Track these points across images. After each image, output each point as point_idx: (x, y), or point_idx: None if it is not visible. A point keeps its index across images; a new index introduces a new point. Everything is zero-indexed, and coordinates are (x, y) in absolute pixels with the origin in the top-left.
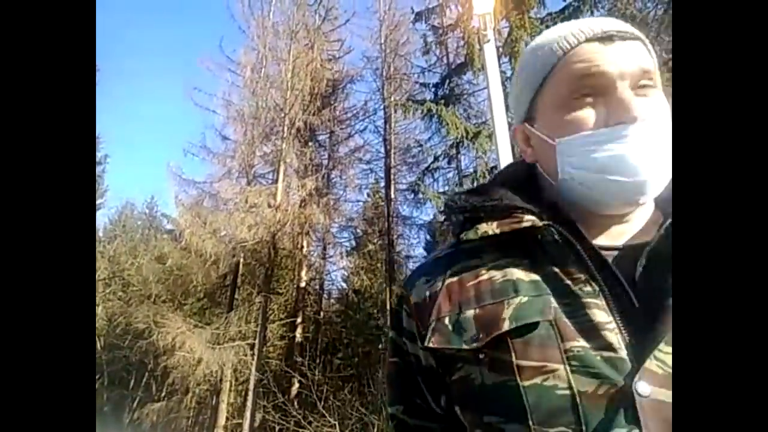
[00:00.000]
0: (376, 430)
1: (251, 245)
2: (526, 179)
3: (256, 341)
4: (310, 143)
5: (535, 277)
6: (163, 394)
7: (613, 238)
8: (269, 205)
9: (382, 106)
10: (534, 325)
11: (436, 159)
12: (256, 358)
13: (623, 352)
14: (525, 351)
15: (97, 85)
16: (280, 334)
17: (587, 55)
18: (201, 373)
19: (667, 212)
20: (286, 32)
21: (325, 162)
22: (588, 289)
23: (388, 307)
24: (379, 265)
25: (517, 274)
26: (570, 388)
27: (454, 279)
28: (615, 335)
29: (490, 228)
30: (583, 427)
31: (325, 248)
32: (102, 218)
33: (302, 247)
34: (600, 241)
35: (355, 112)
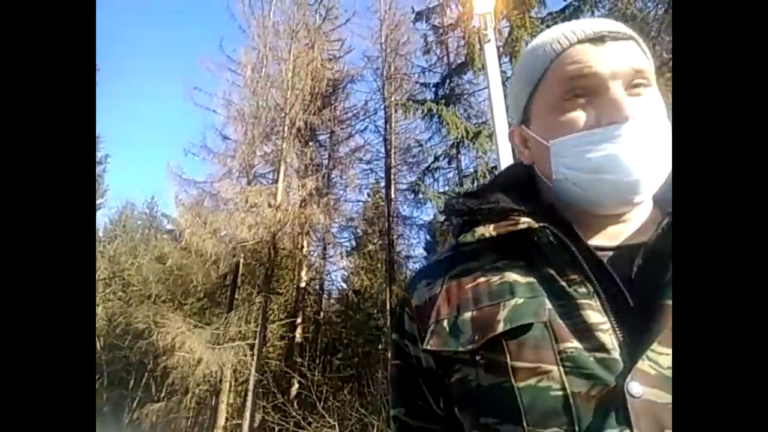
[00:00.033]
0: (375, 430)
1: (251, 245)
2: (525, 181)
3: (256, 341)
4: (310, 143)
5: (532, 279)
6: (162, 395)
7: (610, 238)
8: (269, 205)
9: (382, 106)
10: (528, 327)
11: (436, 159)
12: (255, 358)
13: (616, 353)
14: (519, 352)
15: (97, 85)
16: (280, 335)
17: (579, 57)
18: (201, 374)
19: (665, 210)
20: (287, 32)
21: (325, 162)
22: (583, 290)
23: (388, 307)
24: (379, 265)
25: (514, 276)
26: (563, 389)
27: (453, 282)
28: (609, 336)
29: (486, 231)
30: (576, 428)
31: (325, 248)
32: (102, 218)
33: (302, 247)
34: (597, 241)
35: (355, 111)
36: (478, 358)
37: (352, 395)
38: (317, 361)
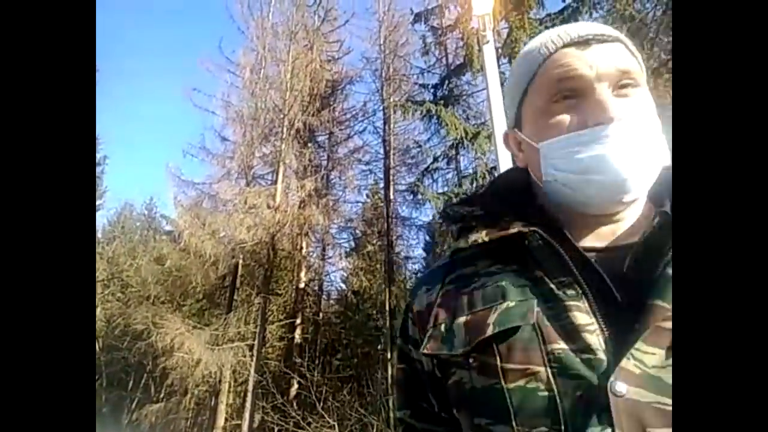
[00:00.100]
0: (375, 430)
1: (250, 246)
2: (523, 184)
3: (255, 342)
4: (309, 144)
5: (524, 282)
6: (161, 396)
7: (602, 237)
8: (268, 206)
9: (381, 107)
10: (516, 329)
11: (435, 160)
12: (255, 359)
13: (602, 353)
14: (509, 355)
15: (97, 85)
16: (279, 335)
17: (565, 60)
18: (200, 374)
19: (659, 207)
20: (286, 33)
21: (324, 163)
22: (571, 291)
23: (387, 308)
24: (378, 266)
25: (507, 280)
26: (550, 389)
27: (450, 287)
28: (596, 336)
29: (480, 237)
30: (563, 428)
31: (324, 249)
32: (101, 219)
33: (301, 248)
34: (589, 241)
35: (354, 113)
36: (471, 360)
37: (351, 396)
38: (316, 362)
